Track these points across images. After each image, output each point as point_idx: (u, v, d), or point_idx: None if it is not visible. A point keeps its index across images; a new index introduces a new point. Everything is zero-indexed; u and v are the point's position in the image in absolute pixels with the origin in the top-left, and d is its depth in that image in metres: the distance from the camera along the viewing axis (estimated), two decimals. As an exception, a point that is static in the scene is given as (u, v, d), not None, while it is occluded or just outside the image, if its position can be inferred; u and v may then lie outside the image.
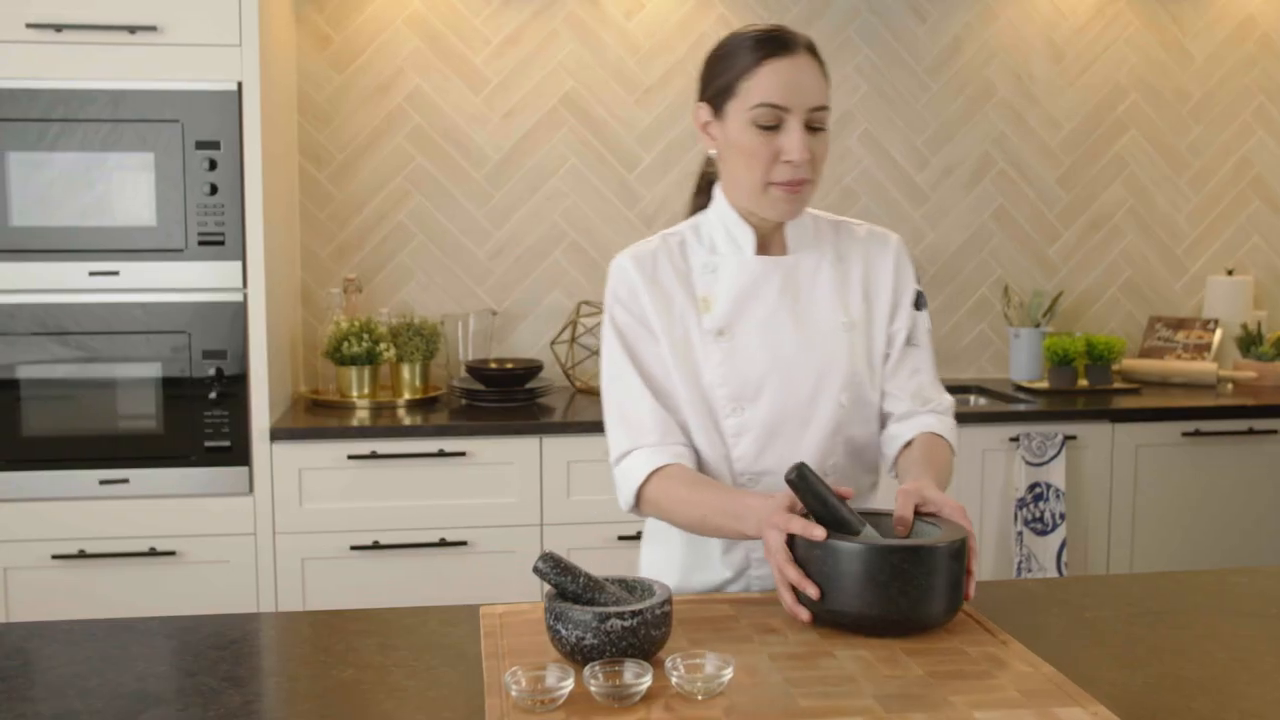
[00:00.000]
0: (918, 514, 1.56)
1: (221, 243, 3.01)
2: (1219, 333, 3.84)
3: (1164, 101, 4.00)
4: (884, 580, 1.41)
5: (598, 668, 1.28)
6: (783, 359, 1.73)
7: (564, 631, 1.34)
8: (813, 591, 1.44)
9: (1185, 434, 3.42)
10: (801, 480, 1.48)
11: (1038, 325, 3.79)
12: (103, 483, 3.01)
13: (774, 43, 1.68)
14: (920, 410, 1.80)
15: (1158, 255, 4.05)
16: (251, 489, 3.05)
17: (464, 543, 3.12)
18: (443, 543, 3.12)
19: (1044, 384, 3.69)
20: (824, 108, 1.68)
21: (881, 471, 1.89)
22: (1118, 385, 3.70)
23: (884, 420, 1.83)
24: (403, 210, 3.68)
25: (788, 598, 1.48)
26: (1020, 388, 3.69)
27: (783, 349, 1.73)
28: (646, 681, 1.26)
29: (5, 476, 2.98)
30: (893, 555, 1.42)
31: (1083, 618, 1.66)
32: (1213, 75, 4.01)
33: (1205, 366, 3.74)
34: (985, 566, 3.37)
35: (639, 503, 1.74)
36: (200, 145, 2.98)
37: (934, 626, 1.47)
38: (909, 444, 1.78)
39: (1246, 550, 3.47)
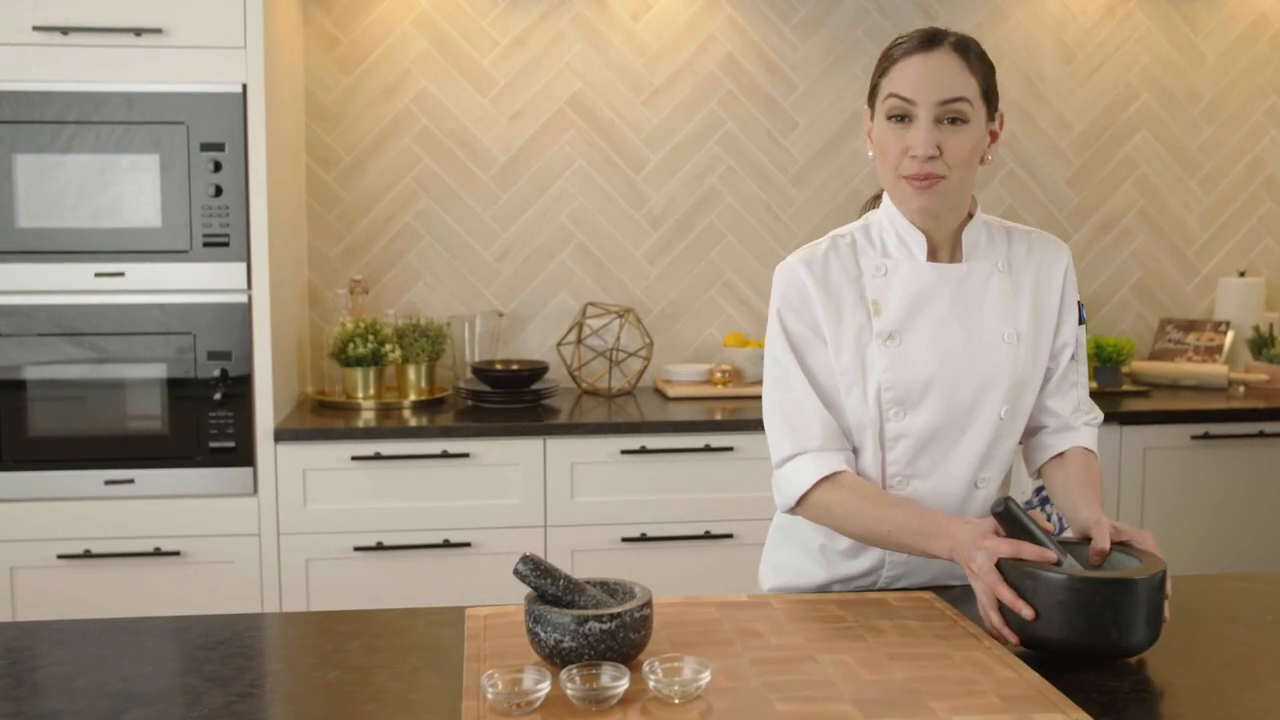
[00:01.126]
0: (1115, 546, 1.57)
1: (226, 244, 3.02)
2: (1230, 335, 3.81)
3: (1175, 102, 3.97)
4: (1096, 610, 1.42)
5: (575, 670, 1.27)
6: (949, 367, 1.73)
7: (543, 634, 1.34)
8: (1028, 613, 1.44)
9: (1194, 437, 3.39)
10: (1008, 512, 1.50)
11: (1047, 327, 3.76)
12: (108, 483, 3.02)
13: (913, 41, 1.69)
14: (1075, 424, 1.84)
15: (1169, 257, 4.02)
16: (256, 490, 3.06)
17: (468, 544, 3.12)
18: (446, 544, 3.12)
19: (1053, 386, 3.66)
20: (957, 100, 1.65)
21: (1011, 481, 1.91)
22: (1127, 388, 3.68)
23: (1035, 429, 1.86)
24: (410, 211, 3.69)
25: (995, 619, 1.49)
26: (1029, 390, 3.66)
27: (950, 357, 1.73)
28: (623, 685, 1.26)
29: (12, 476, 3.00)
30: (1106, 587, 1.43)
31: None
32: (1225, 75, 3.98)
33: (1216, 369, 3.71)
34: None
35: (800, 505, 1.75)
36: (205, 147, 2.99)
37: (1139, 653, 1.48)
38: (1061, 455, 1.82)
39: (1256, 554, 3.44)
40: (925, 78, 1.65)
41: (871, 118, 1.76)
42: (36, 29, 2.90)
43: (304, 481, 3.07)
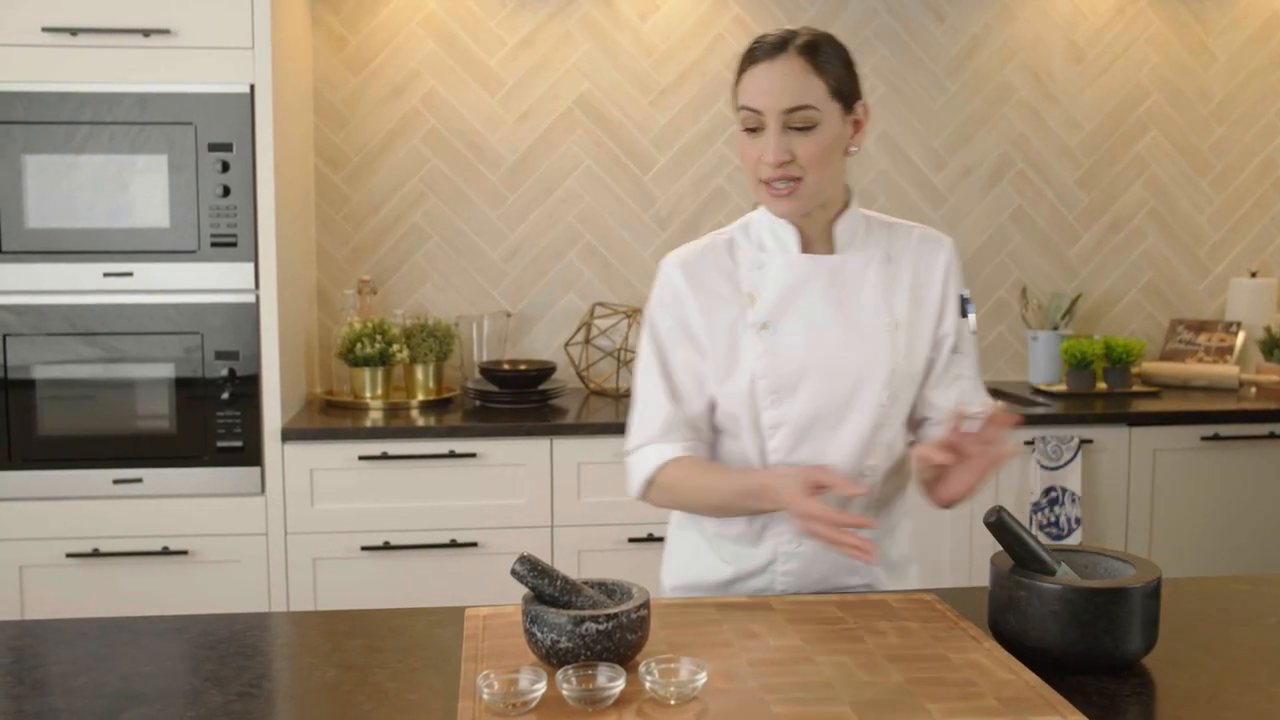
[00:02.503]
0: (1111, 554, 1.58)
1: (234, 244, 3.03)
2: (1241, 335, 3.79)
3: (1186, 102, 3.95)
4: (1090, 619, 1.42)
5: (570, 671, 1.27)
6: (824, 355, 1.76)
7: (539, 635, 1.34)
8: (859, 491, 1.54)
9: (1204, 438, 3.37)
10: (1000, 523, 1.51)
11: (1056, 328, 3.75)
12: (116, 482, 3.03)
13: (758, 48, 1.72)
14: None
15: (1179, 257, 4.00)
16: (263, 489, 3.07)
17: (474, 544, 3.12)
18: (453, 544, 3.12)
19: (1062, 387, 3.65)
20: (802, 108, 1.68)
21: (911, 479, 1.90)
22: (1137, 388, 3.66)
23: (922, 424, 1.87)
24: (418, 212, 3.69)
25: (849, 540, 1.52)
26: (1038, 390, 3.65)
27: (824, 345, 1.76)
28: (619, 685, 1.26)
29: (21, 475, 3.01)
30: (1099, 596, 1.43)
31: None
32: (1236, 75, 3.96)
33: (1227, 370, 3.69)
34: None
35: (649, 489, 1.80)
36: (213, 147, 3.00)
37: (1134, 661, 1.47)
38: None
39: (1265, 556, 3.42)
40: (770, 87, 1.69)
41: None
42: (45, 30, 2.91)
43: (311, 481, 3.07)
